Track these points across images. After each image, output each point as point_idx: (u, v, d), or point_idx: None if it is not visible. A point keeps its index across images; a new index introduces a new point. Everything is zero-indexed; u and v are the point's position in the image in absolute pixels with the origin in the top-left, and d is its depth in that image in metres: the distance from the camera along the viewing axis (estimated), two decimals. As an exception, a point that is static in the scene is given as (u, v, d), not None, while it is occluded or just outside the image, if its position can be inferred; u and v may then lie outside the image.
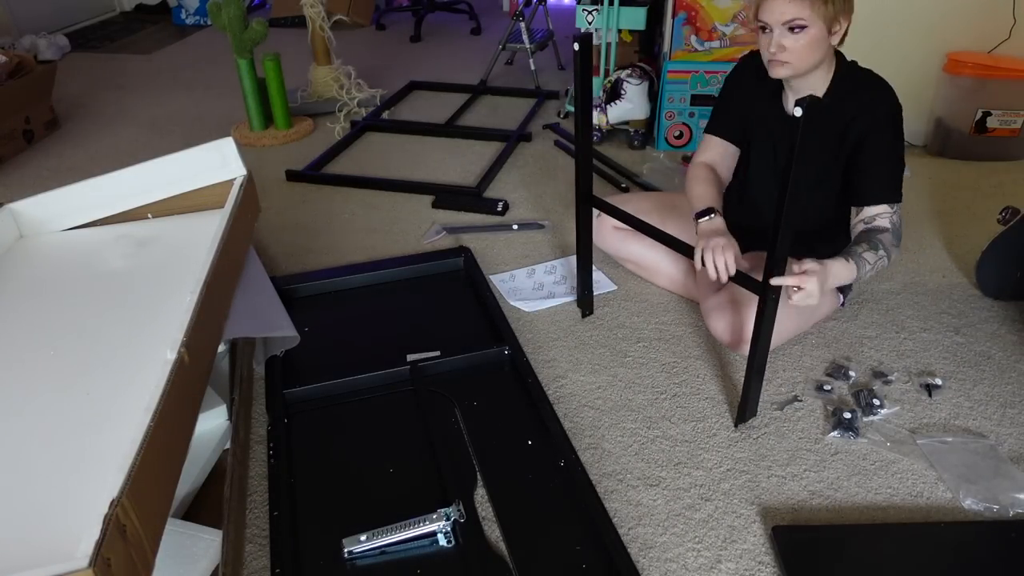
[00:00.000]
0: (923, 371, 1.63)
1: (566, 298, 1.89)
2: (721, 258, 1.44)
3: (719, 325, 1.64)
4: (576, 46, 1.44)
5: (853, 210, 1.59)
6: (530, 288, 1.94)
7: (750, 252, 1.69)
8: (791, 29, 1.37)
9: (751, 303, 1.58)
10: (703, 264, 1.47)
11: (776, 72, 1.44)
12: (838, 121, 1.50)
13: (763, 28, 1.42)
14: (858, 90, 1.49)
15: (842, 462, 1.41)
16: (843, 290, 1.76)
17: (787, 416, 1.52)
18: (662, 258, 1.89)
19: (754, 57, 1.58)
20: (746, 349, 1.54)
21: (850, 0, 1.39)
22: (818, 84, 1.50)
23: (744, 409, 1.49)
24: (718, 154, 1.73)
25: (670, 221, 1.80)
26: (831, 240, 1.67)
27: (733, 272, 1.43)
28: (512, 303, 1.87)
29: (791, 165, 1.17)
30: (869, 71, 1.53)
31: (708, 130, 1.75)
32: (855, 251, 1.48)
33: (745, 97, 1.65)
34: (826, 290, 1.42)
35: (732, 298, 1.64)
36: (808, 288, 1.34)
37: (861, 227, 1.54)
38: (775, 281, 1.31)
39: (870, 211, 1.53)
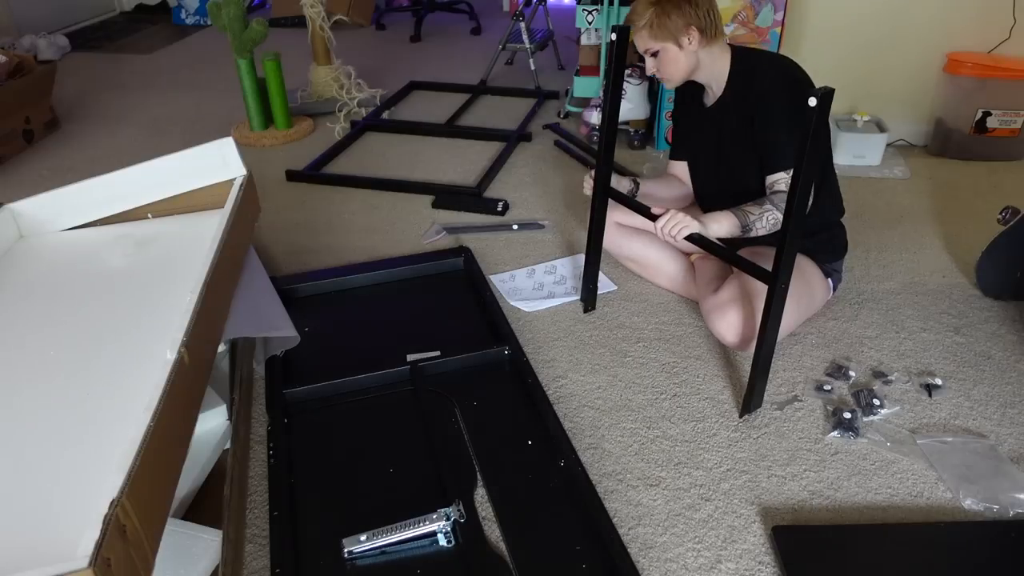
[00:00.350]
0: (923, 371, 1.63)
1: (566, 298, 1.89)
2: (678, 226, 1.50)
3: (721, 325, 1.64)
4: (613, 36, 1.55)
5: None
6: (530, 288, 1.94)
7: (746, 248, 1.71)
8: (651, 55, 1.61)
9: (750, 301, 1.59)
10: (662, 231, 1.53)
11: (668, 86, 1.68)
12: (746, 104, 1.61)
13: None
14: (754, 71, 1.61)
15: (842, 462, 1.41)
16: (831, 275, 1.77)
17: (787, 416, 1.52)
18: (662, 257, 1.90)
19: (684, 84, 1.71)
20: (749, 347, 1.55)
21: (687, 16, 1.54)
22: (719, 75, 1.65)
23: (749, 401, 1.50)
24: (681, 172, 1.89)
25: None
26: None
27: (683, 235, 1.50)
28: (512, 303, 1.87)
29: (802, 155, 1.24)
30: (763, 52, 1.67)
31: (670, 157, 1.93)
32: (738, 207, 1.57)
33: (687, 114, 1.82)
34: (711, 233, 1.52)
35: (732, 297, 1.64)
36: (673, 218, 1.50)
37: (767, 192, 1.62)
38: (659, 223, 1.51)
39: (770, 179, 1.60)
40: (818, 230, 1.71)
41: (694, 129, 1.79)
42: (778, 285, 1.37)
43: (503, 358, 1.66)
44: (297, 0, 2.98)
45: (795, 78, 1.58)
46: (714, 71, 1.64)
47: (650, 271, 1.94)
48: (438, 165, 2.67)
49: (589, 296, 1.84)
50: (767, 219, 1.54)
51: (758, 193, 1.63)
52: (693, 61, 1.60)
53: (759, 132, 1.60)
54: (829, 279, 1.76)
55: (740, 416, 1.52)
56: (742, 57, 1.63)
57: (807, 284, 1.69)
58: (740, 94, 1.62)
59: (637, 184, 1.80)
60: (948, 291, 1.91)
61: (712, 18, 1.57)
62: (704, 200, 1.84)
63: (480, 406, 1.54)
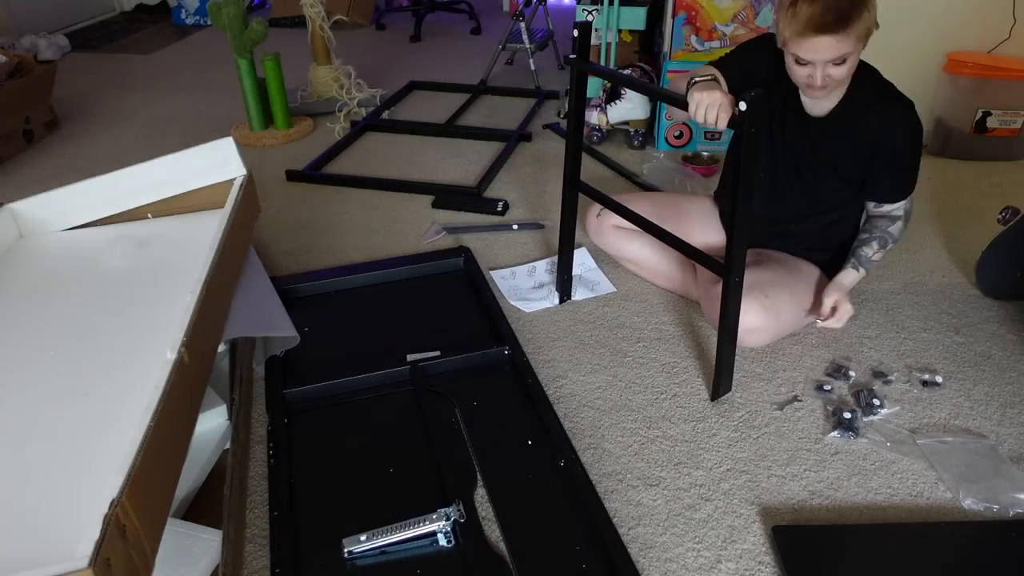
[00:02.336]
0: (923, 370, 1.63)
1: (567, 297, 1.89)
2: (713, 112, 1.35)
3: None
4: (575, 32, 1.54)
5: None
6: (530, 287, 1.94)
7: (752, 250, 1.72)
8: (837, 63, 1.39)
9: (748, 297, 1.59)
10: (695, 112, 1.38)
11: (816, 96, 1.47)
12: (860, 128, 1.53)
13: (801, 62, 1.42)
14: (880, 101, 1.52)
15: (842, 462, 1.41)
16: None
17: (787, 416, 1.52)
18: (661, 258, 1.90)
19: (757, 49, 1.61)
20: (749, 341, 1.58)
21: (874, 13, 1.39)
22: (840, 91, 1.52)
23: (719, 384, 1.54)
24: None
25: (670, 221, 1.81)
26: (833, 227, 1.72)
27: (723, 126, 1.36)
28: (512, 303, 1.87)
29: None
30: (888, 82, 1.56)
31: (712, 63, 1.66)
32: (863, 256, 1.62)
33: (760, 72, 1.60)
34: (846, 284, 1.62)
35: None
36: (844, 315, 1.58)
37: (875, 210, 1.65)
38: (821, 325, 1.62)
39: (889, 207, 1.63)
40: (839, 246, 1.72)
41: (778, 128, 1.62)
42: (731, 279, 1.40)
43: (503, 358, 1.66)
44: (297, 0, 2.98)
45: (920, 123, 1.55)
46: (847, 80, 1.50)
47: (649, 271, 1.94)
48: (438, 165, 2.67)
49: (564, 287, 1.87)
50: (884, 255, 1.65)
51: (822, 210, 1.67)
52: (853, 72, 1.46)
53: (884, 166, 1.55)
54: None
55: (711, 399, 1.55)
56: (868, 73, 1.54)
57: (811, 287, 1.70)
58: (862, 112, 1.52)
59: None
60: (948, 291, 1.91)
61: None
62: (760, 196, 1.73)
63: (480, 406, 1.54)
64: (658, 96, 1.48)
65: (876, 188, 1.62)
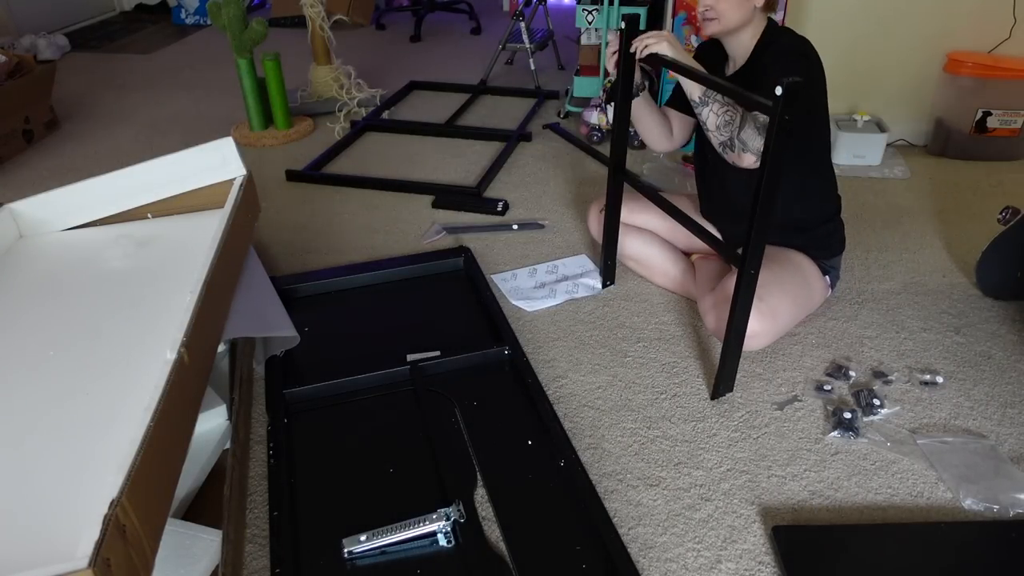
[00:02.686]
0: (923, 370, 1.63)
1: (568, 296, 1.89)
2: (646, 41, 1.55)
3: (719, 323, 1.64)
4: (623, 24, 1.60)
5: None
6: (531, 287, 1.94)
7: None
8: None
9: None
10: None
11: (707, 28, 1.57)
12: (758, 74, 1.56)
13: None
14: (772, 43, 1.57)
15: (842, 462, 1.41)
16: (828, 272, 1.76)
17: (787, 416, 1.52)
18: (663, 257, 1.90)
19: (707, 42, 1.69)
20: (749, 345, 1.56)
21: None
22: (747, 43, 1.59)
23: (719, 383, 1.54)
24: (672, 117, 1.83)
25: (668, 221, 1.84)
26: (793, 197, 1.64)
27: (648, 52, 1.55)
28: (514, 303, 1.87)
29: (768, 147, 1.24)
30: (791, 32, 1.60)
31: (666, 103, 1.86)
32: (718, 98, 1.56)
33: (709, 49, 1.72)
34: (676, 49, 1.54)
35: (728, 296, 1.64)
36: (655, 36, 1.54)
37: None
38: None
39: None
40: (813, 226, 1.71)
41: None
42: (746, 271, 1.38)
43: (503, 358, 1.66)
44: (297, 0, 2.98)
45: (803, 52, 1.53)
46: (749, 39, 1.58)
47: (649, 270, 1.94)
48: (438, 165, 2.67)
49: (608, 272, 1.91)
50: (723, 115, 1.52)
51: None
52: (749, 15, 1.54)
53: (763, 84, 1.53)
54: (827, 276, 1.76)
55: (711, 398, 1.55)
56: (774, 30, 1.59)
57: (804, 281, 1.69)
58: (757, 67, 1.58)
59: (646, 84, 1.74)
60: (948, 291, 1.91)
61: None
62: (707, 164, 1.79)
63: (480, 406, 1.54)
64: (726, 92, 1.46)
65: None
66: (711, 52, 1.71)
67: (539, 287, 1.94)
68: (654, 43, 1.53)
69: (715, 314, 1.65)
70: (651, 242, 1.90)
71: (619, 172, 1.76)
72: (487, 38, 4.25)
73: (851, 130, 2.57)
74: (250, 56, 2.75)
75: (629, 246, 1.94)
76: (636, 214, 1.93)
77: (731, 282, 1.65)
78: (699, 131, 1.80)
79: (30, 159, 2.77)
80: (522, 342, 1.71)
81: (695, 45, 2.58)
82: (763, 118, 1.49)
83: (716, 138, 1.54)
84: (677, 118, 1.83)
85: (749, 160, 1.49)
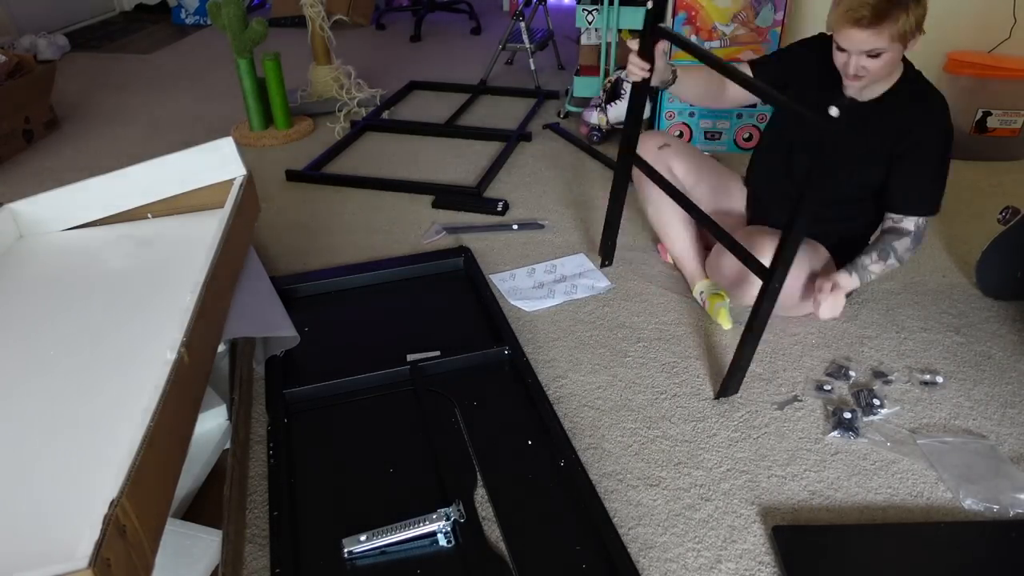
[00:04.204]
0: (923, 370, 1.63)
1: (566, 297, 1.89)
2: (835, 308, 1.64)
3: (725, 267, 1.69)
4: (649, 4, 1.59)
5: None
6: (530, 287, 1.94)
7: (755, 226, 1.76)
8: (872, 56, 1.47)
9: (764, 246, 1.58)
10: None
11: (852, 85, 1.54)
12: (893, 124, 1.56)
13: (840, 48, 1.50)
14: (917, 99, 1.56)
15: (842, 462, 1.41)
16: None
17: (787, 416, 1.52)
18: (674, 219, 1.89)
19: (824, 42, 1.61)
20: (746, 293, 1.63)
21: (922, 11, 1.45)
22: (883, 85, 1.57)
23: (727, 384, 1.54)
24: (728, 85, 1.71)
25: (703, 185, 1.89)
26: (850, 219, 1.73)
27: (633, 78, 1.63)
28: (512, 303, 1.87)
29: (817, 164, 1.24)
30: (930, 84, 1.59)
31: (751, 61, 1.76)
32: (861, 262, 1.63)
33: (801, 70, 1.67)
34: (845, 288, 1.64)
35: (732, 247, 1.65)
36: (836, 304, 1.61)
37: (888, 223, 1.65)
38: (822, 313, 1.61)
39: (899, 217, 1.63)
40: (851, 239, 1.74)
41: (803, 94, 1.63)
42: (772, 284, 1.39)
43: (503, 358, 1.66)
44: (297, 0, 2.98)
45: (952, 127, 1.57)
46: (889, 76, 1.56)
47: (662, 224, 1.92)
48: (438, 165, 2.67)
49: (608, 252, 1.92)
50: (883, 274, 1.66)
51: (842, 200, 1.67)
52: (897, 65, 1.53)
53: (908, 165, 1.57)
54: None
55: (715, 397, 1.55)
56: (914, 75, 1.58)
57: (810, 268, 1.70)
58: (898, 109, 1.56)
59: (675, 75, 1.70)
60: (948, 291, 1.91)
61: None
62: (780, 140, 1.76)
63: (480, 406, 1.54)
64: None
65: (893, 191, 1.61)
66: (808, 61, 1.65)
67: (538, 287, 1.94)
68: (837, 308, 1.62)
69: (724, 260, 1.69)
70: (667, 205, 1.85)
71: (628, 155, 1.77)
72: (487, 38, 4.25)
73: (851, 130, 2.57)
74: (250, 56, 2.75)
75: (650, 190, 1.88)
76: (675, 154, 1.90)
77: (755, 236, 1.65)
78: (779, 113, 1.80)
79: (30, 159, 2.77)
80: (522, 342, 1.71)
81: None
82: (918, 224, 1.61)
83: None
84: (733, 87, 1.69)
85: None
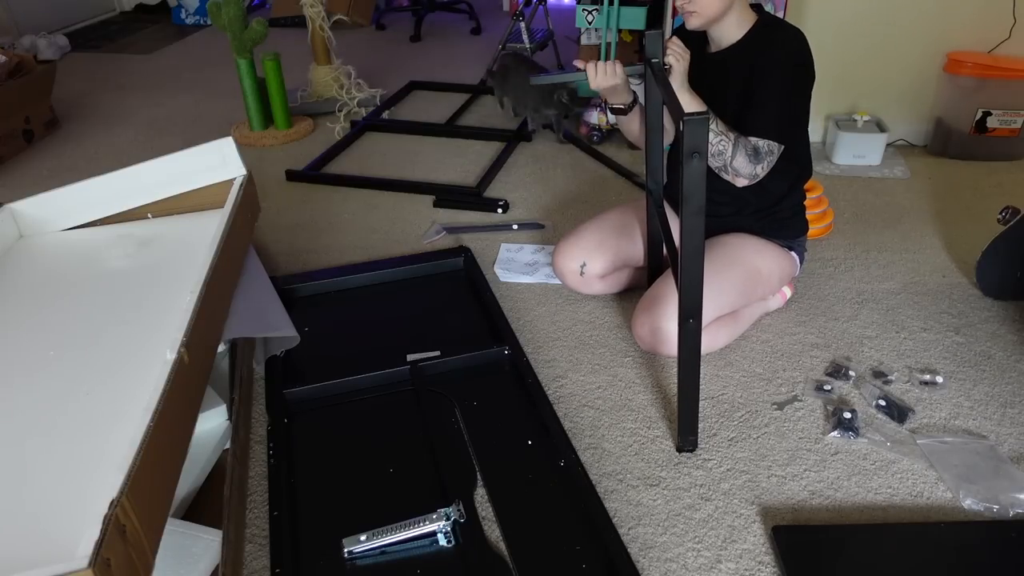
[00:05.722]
0: (923, 370, 1.63)
1: (545, 280, 1.95)
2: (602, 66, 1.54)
3: (641, 329, 1.65)
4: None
5: None
6: (523, 264, 2.01)
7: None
8: None
9: (669, 301, 1.57)
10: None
11: (690, 22, 1.54)
12: (747, 66, 1.54)
13: None
14: (767, 37, 1.55)
15: (842, 462, 1.41)
16: (793, 248, 1.75)
17: (787, 416, 1.52)
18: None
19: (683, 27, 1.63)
20: (664, 349, 1.60)
21: None
22: (733, 33, 1.56)
23: (683, 438, 1.42)
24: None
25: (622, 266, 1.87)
26: (756, 192, 1.63)
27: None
28: (495, 269, 1.95)
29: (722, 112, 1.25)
30: (784, 23, 1.58)
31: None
32: (714, 115, 1.50)
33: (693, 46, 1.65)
34: (679, 84, 1.48)
35: (653, 296, 1.64)
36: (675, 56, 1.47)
37: None
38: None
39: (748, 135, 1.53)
40: (780, 207, 1.68)
41: (693, 71, 1.56)
42: (687, 323, 1.28)
43: (503, 358, 1.66)
44: (297, 0, 2.98)
45: (802, 53, 1.53)
46: (736, 28, 1.55)
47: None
48: (438, 165, 2.67)
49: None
50: (717, 144, 1.49)
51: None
52: (728, 3, 1.51)
53: (754, 91, 1.53)
54: (792, 252, 1.74)
55: (678, 451, 1.44)
56: (766, 20, 1.57)
57: (747, 274, 1.65)
58: (751, 50, 1.55)
59: (636, 101, 1.69)
60: (948, 291, 1.91)
61: None
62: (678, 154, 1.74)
63: (480, 406, 1.54)
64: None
65: (746, 114, 1.53)
66: (692, 32, 1.63)
67: (531, 264, 2.01)
68: (675, 62, 1.47)
69: (640, 319, 1.65)
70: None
71: (659, 206, 1.66)
72: (487, 38, 4.25)
73: (851, 130, 2.57)
74: (250, 56, 2.75)
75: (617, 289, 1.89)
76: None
77: (661, 286, 1.65)
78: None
79: (30, 159, 2.77)
80: (522, 342, 1.71)
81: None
82: (755, 143, 1.51)
83: (711, 163, 1.52)
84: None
85: (742, 182, 1.55)
